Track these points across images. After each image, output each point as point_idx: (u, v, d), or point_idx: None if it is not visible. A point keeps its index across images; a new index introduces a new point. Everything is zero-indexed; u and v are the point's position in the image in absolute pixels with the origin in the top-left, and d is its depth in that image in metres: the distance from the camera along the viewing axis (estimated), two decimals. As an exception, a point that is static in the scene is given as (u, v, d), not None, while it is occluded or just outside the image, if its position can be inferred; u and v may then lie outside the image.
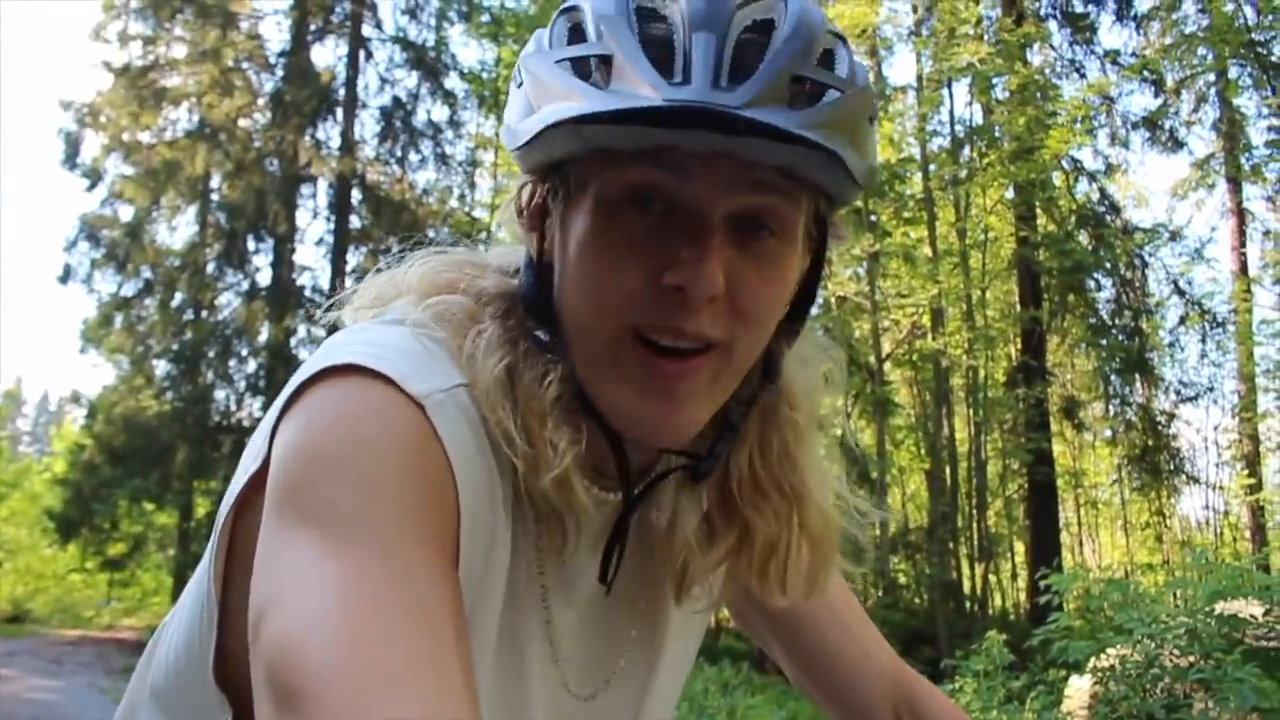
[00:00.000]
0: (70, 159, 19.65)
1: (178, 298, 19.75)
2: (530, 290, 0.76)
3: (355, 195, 20.12)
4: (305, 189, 20.32)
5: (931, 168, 12.45)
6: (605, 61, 0.66)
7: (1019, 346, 13.13)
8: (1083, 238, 12.68)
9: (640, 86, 0.64)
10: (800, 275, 0.76)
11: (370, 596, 0.57)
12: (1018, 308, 12.86)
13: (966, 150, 12.41)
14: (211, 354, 19.35)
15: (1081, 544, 17.37)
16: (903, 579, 13.23)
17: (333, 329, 0.80)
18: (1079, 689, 5.93)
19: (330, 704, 0.52)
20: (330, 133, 20.11)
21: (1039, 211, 12.56)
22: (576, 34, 0.69)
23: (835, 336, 12.15)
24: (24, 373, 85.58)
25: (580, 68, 0.67)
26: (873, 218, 12.58)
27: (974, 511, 12.27)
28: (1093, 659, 5.69)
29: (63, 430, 28.97)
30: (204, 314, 19.68)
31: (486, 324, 0.74)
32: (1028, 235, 12.16)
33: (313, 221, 20.72)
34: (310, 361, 0.70)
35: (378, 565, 0.58)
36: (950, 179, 12.06)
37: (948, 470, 12.37)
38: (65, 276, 19.76)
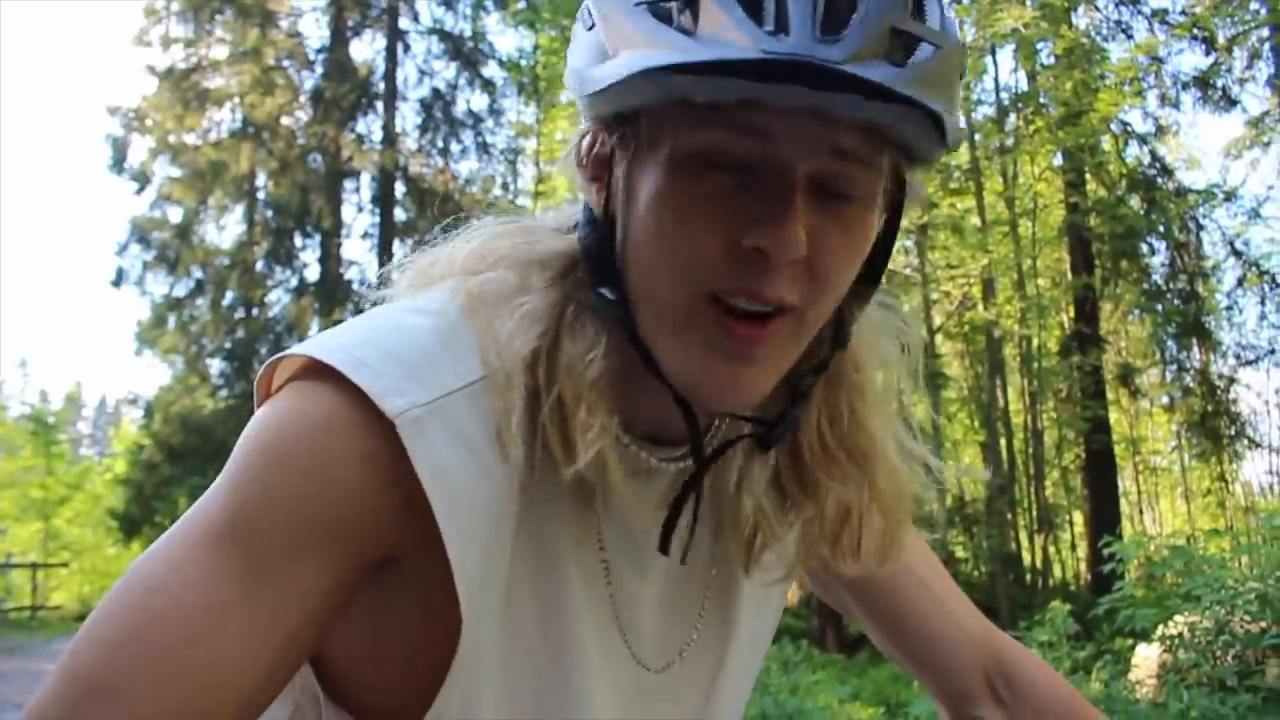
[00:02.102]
0: (118, 163, 19.97)
1: (229, 296, 20.05)
2: (593, 245, 0.71)
3: (399, 188, 20.26)
4: (349, 183, 20.51)
5: (977, 137, 12.28)
6: (690, 4, 0.60)
7: (1072, 315, 12.95)
8: (1134, 202, 12.45)
9: (733, 35, 0.59)
10: (876, 236, 0.71)
11: (198, 593, 0.62)
12: (1069, 276, 12.67)
13: (1013, 118, 12.22)
14: (264, 350, 19.59)
15: (1141, 512, 17.14)
16: (961, 552, 13.13)
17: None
18: (1146, 657, 5.86)
19: (75, 663, 0.61)
20: (372, 126, 20.26)
21: (1089, 177, 12.35)
22: None
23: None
24: (83, 376, 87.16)
25: (660, 10, 0.62)
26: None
27: (1032, 482, 12.12)
28: (1160, 627, 5.61)
29: (121, 431, 29.51)
30: (255, 311, 19.96)
31: (529, 297, 0.71)
32: (1078, 201, 11.97)
33: (358, 215, 20.90)
34: (311, 341, 0.68)
35: (222, 567, 0.62)
36: (998, 147, 11.88)
37: (1003, 442, 12.23)
38: (118, 280, 20.11)
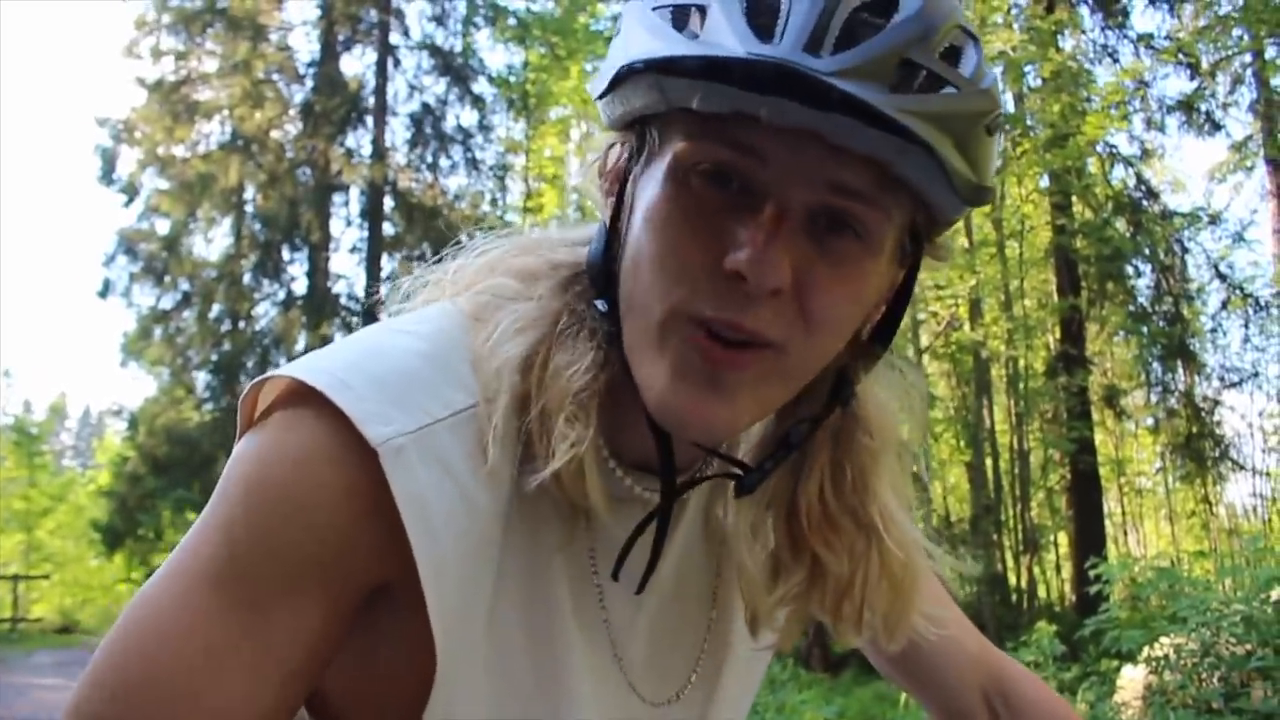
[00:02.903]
0: (107, 174, 19.90)
1: (216, 309, 20.01)
2: (597, 257, 0.70)
3: (388, 202, 20.24)
4: (338, 197, 20.50)
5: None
6: (700, 11, 0.61)
7: (1058, 335, 13.00)
8: (1120, 224, 12.52)
9: (728, 40, 0.58)
10: (886, 293, 0.71)
11: (192, 632, 0.61)
12: (1055, 297, 12.73)
13: (1000, 139, 12.28)
14: (250, 364, 19.53)
15: (1126, 533, 17.16)
16: (947, 572, 13.14)
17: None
18: (1132, 679, 5.87)
19: (83, 701, 0.61)
20: (361, 141, 20.26)
21: (1075, 199, 12.42)
22: None
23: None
24: (67, 387, 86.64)
25: (677, 15, 0.62)
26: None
27: (1018, 503, 12.16)
28: (1146, 649, 5.62)
29: (105, 443, 29.35)
30: (242, 324, 19.92)
31: (526, 303, 0.70)
32: (1064, 223, 12.03)
33: (346, 229, 20.94)
34: (298, 363, 0.67)
35: (213, 605, 0.62)
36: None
37: (989, 462, 12.26)
38: (105, 291, 20.03)
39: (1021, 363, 11.97)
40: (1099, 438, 14.56)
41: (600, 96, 0.67)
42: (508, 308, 0.70)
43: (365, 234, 20.36)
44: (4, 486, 23.42)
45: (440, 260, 0.78)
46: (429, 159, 20.56)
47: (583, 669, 0.73)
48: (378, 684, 0.72)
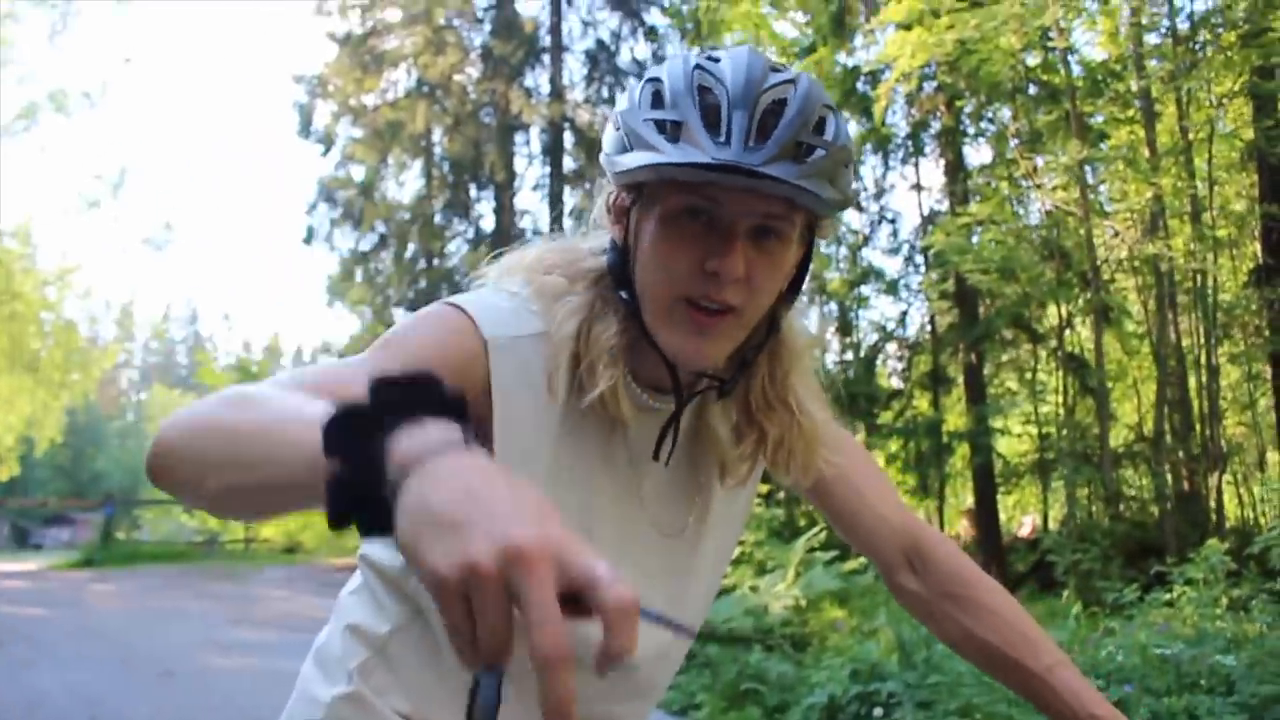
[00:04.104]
0: (305, 128, 21.14)
1: (410, 249, 21.04)
2: (615, 266, 1.09)
3: (568, 139, 20.74)
4: (520, 137, 21.13)
5: (1155, 63, 11.76)
6: (676, 125, 0.99)
7: (1259, 247, 12.31)
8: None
9: (698, 145, 0.97)
10: (795, 264, 1.08)
11: (342, 362, 1.01)
12: (1257, 206, 12.04)
13: (1202, 35, 11.62)
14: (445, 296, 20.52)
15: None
16: (1131, 491, 12.79)
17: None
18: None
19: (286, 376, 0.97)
20: (539, 80, 20.78)
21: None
22: (657, 100, 1.02)
23: (1051, 245, 11.77)
24: (279, 329, 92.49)
25: (660, 126, 1.00)
26: (1088, 120, 12.05)
27: (1208, 420, 11.68)
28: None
29: (319, 378, 31.33)
30: (435, 262, 20.87)
31: (575, 296, 1.08)
32: (1270, 125, 11.33)
33: (529, 167, 21.52)
34: (454, 299, 1.10)
35: (361, 357, 1.03)
36: (1174, 71, 11.36)
37: (1179, 380, 11.82)
38: (309, 237, 21.39)
39: (1210, 275, 11.41)
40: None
41: (614, 173, 1.06)
42: (564, 299, 1.09)
43: (547, 171, 20.97)
44: (232, 421, 25.45)
45: (499, 255, 1.20)
46: (605, 94, 20.91)
47: (612, 510, 1.12)
48: None
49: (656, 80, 1.03)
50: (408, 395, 0.62)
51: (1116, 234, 10.96)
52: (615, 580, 0.52)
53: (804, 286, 1.11)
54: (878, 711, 5.15)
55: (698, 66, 1.01)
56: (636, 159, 0.99)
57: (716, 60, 1.02)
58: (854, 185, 1.07)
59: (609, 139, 1.06)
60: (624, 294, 1.07)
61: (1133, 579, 7.36)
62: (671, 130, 0.98)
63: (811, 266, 1.11)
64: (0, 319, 24.51)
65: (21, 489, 37.41)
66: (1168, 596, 6.44)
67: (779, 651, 6.98)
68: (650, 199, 1.04)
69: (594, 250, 1.14)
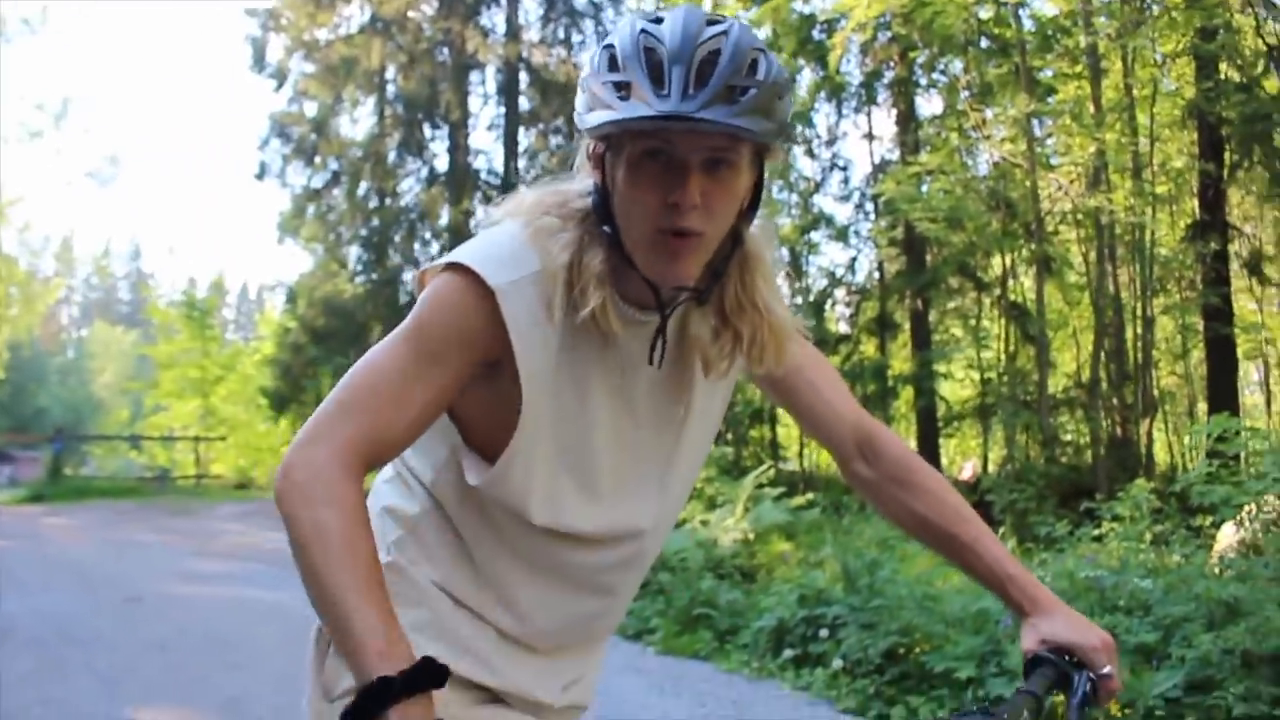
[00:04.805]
0: (259, 62, 20.87)
1: (363, 187, 20.92)
2: (598, 205, 1.26)
3: (523, 79, 20.68)
4: (475, 76, 21.04)
5: (1103, 19, 12.03)
6: (626, 85, 1.15)
7: (1199, 202, 12.72)
8: (1273, 83, 12.04)
9: (645, 100, 1.13)
10: (749, 188, 1.25)
11: (392, 361, 1.22)
12: (1196, 164, 12.42)
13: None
14: (398, 238, 20.49)
15: (1271, 402, 16.82)
16: (1068, 436, 13.29)
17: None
18: (1227, 535, 6.12)
19: (339, 398, 1.20)
20: (495, 19, 20.70)
21: (1221, 61, 11.98)
22: (612, 64, 1.18)
23: (998, 196, 12.07)
24: (225, 266, 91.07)
25: (616, 86, 1.16)
26: (1037, 74, 12.33)
27: (1142, 370, 12.16)
28: (1247, 508, 5.85)
29: (266, 316, 31.13)
30: (388, 201, 20.78)
31: (567, 233, 1.26)
32: (1209, 85, 11.67)
33: (484, 107, 21.48)
34: (450, 254, 1.26)
35: (405, 352, 1.22)
36: (1121, 29, 11.64)
37: (1114, 329, 12.26)
38: (261, 173, 21.20)
39: (1149, 230, 11.80)
40: (1248, 305, 14.31)
41: (585, 129, 1.24)
42: (557, 236, 1.26)
43: (502, 111, 20.93)
44: (179, 356, 25.32)
45: (503, 200, 1.37)
46: (561, 35, 20.85)
47: (606, 412, 1.30)
48: (492, 419, 1.30)
49: (610, 47, 1.19)
50: (403, 683, 1.03)
51: (1061, 188, 11.27)
52: None
53: (760, 203, 1.28)
54: (823, 633, 5.47)
55: (643, 31, 1.17)
56: (598, 117, 1.16)
57: (659, 21, 1.18)
58: (789, 112, 1.23)
59: (579, 100, 1.23)
60: (607, 228, 1.24)
61: (1065, 518, 7.75)
62: (624, 90, 1.15)
63: (765, 186, 1.31)
64: (-62, 250, 24.08)
65: (-39, 425, 36.83)
66: (1097, 532, 6.83)
67: (729, 580, 7.30)
68: (617, 147, 1.20)
69: (580, 192, 1.30)
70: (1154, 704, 4.08)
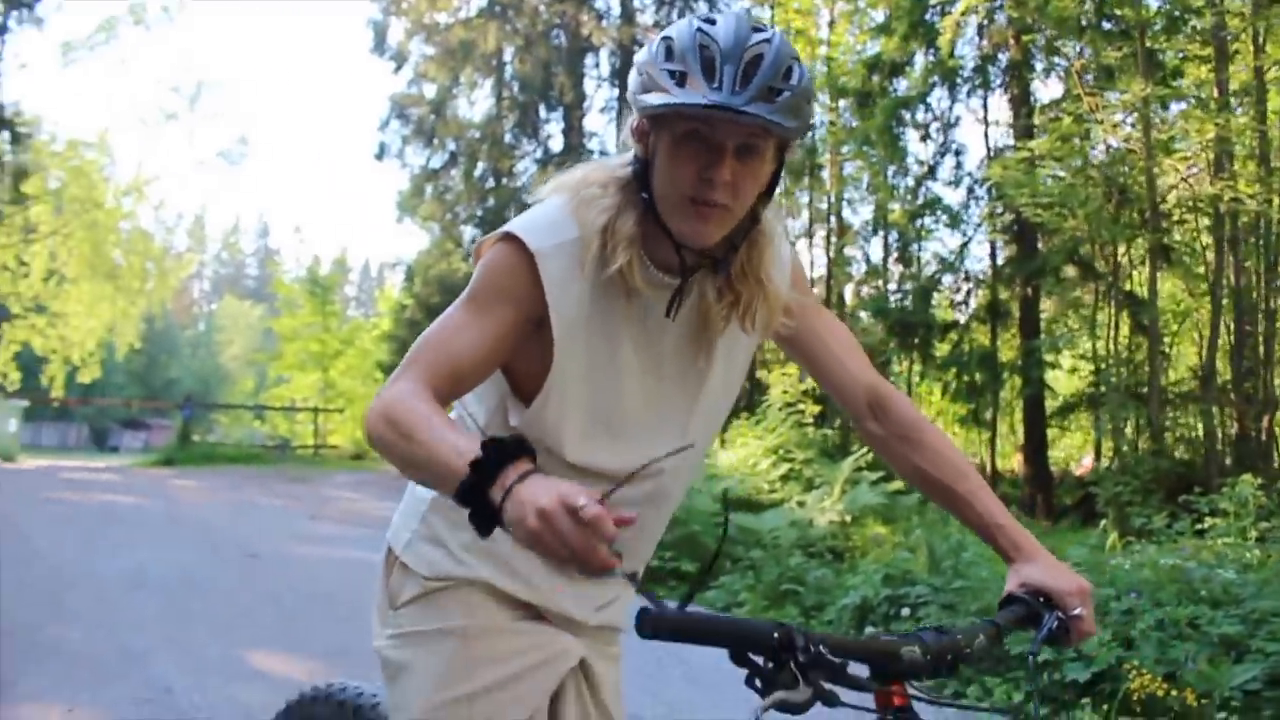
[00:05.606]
0: (379, 45, 21.48)
1: (480, 167, 21.36)
2: (638, 173, 1.43)
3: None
4: (589, 59, 21.27)
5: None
6: (683, 74, 1.31)
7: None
8: None
9: (698, 89, 1.29)
10: (770, 174, 1.42)
11: (452, 318, 1.43)
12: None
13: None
14: (512, 217, 20.84)
15: None
16: (1183, 430, 12.90)
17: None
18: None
19: (411, 353, 1.40)
20: (610, 2, 20.87)
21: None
22: (669, 54, 1.33)
23: (1114, 183, 11.76)
24: (348, 243, 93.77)
25: (671, 74, 1.32)
26: (1160, 57, 11.99)
27: (1262, 363, 11.74)
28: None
29: (385, 293, 32.03)
30: (504, 181, 21.17)
31: (606, 199, 1.44)
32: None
33: (598, 89, 21.66)
34: (506, 225, 1.46)
35: (462, 309, 1.43)
36: (1254, 6, 11.21)
37: (1234, 322, 11.85)
38: (381, 153, 21.84)
39: (1276, 218, 11.36)
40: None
41: (639, 109, 1.39)
42: (596, 202, 1.45)
43: (615, 94, 21.11)
44: (301, 330, 26.25)
45: (551, 177, 1.56)
46: (674, 18, 20.88)
47: (633, 361, 1.48)
48: (535, 367, 1.47)
49: (668, 39, 1.34)
50: (509, 449, 1.14)
51: (1182, 175, 10.95)
52: (590, 506, 1.03)
53: (777, 190, 1.46)
54: (905, 611, 5.54)
55: (699, 29, 1.32)
56: (655, 99, 1.32)
57: (714, 23, 1.33)
58: (812, 115, 1.42)
59: (633, 81, 1.38)
60: (645, 194, 1.41)
61: (1167, 511, 7.62)
62: (679, 78, 1.31)
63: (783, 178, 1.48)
64: (82, 227, 25.42)
65: (99, 394, 38.83)
66: (1199, 527, 6.72)
67: (819, 559, 7.40)
68: (664, 126, 1.36)
69: (622, 163, 1.48)
70: (1231, 695, 4.06)
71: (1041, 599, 1.40)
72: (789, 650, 1.05)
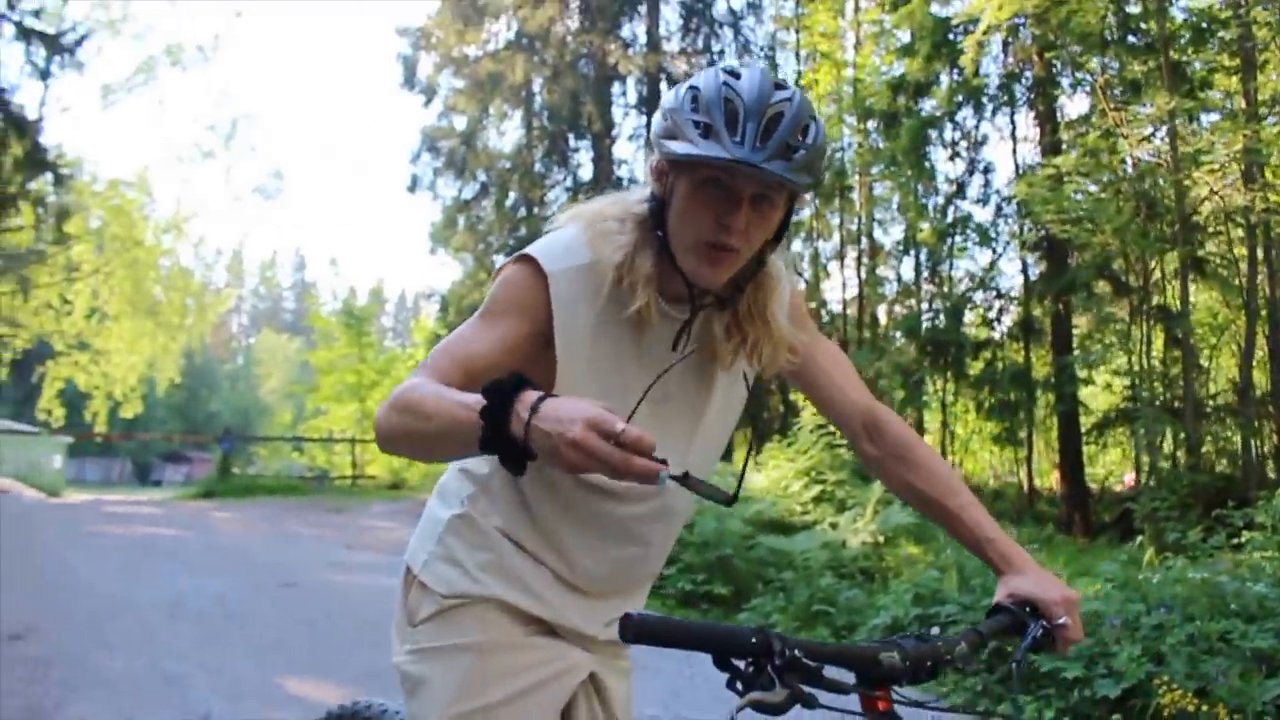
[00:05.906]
0: (409, 79, 21.80)
1: (511, 197, 21.59)
2: (655, 213, 1.51)
3: (664, 89, 20.98)
4: (617, 87, 21.45)
5: (1262, 8, 11.55)
6: (708, 126, 1.38)
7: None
8: None
9: (722, 143, 1.36)
10: (779, 221, 1.49)
11: (465, 330, 1.50)
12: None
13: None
14: (540, 247, 20.99)
15: None
16: (1219, 445, 12.74)
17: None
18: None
19: (424, 361, 1.46)
20: (636, 31, 21.07)
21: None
22: (695, 104, 1.40)
23: (1142, 197, 11.70)
24: (384, 274, 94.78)
25: (696, 125, 1.39)
26: (1186, 69, 11.94)
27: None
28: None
29: (420, 323, 32.27)
30: (535, 210, 21.31)
31: (623, 235, 1.51)
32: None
33: (626, 117, 21.86)
34: (526, 248, 1.54)
35: (475, 322, 1.50)
36: (1280, 19, 11.16)
37: (1271, 334, 11.72)
38: (413, 185, 22.13)
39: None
40: None
41: (662, 154, 1.46)
42: (613, 237, 1.52)
43: (643, 121, 21.25)
44: (338, 362, 26.51)
45: (566, 208, 1.62)
46: (701, 44, 21.10)
47: (637, 390, 1.47)
48: (540, 383, 1.50)
49: (695, 88, 1.42)
50: (510, 384, 1.18)
51: (1211, 190, 10.88)
52: (629, 428, 1.09)
53: (784, 236, 1.54)
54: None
55: (724, 83, 1.39)
56: (680, 147, 1.39)
57: (738, 76, 1.40)
58: (824, 171, 1.49)
59: (658, 124, 1.45)
60: (660, 233, 1.49)
61: (1203, 525, 7.55)
62: (704, 129, 1.37)
63: (792, 224, 1.57)
64: (123, 264, 25.90)
65: (141, 428, 39.38)
66: (1235, 541, 6.65)
67: (850, 580, 7.39)
68: (684, 170, 1.44)
69: (639, 200, 1.55)
70: (1263, 709, 4.04)
71: (1028, 609, 1.45)
72: (766, 654, 1.10)
